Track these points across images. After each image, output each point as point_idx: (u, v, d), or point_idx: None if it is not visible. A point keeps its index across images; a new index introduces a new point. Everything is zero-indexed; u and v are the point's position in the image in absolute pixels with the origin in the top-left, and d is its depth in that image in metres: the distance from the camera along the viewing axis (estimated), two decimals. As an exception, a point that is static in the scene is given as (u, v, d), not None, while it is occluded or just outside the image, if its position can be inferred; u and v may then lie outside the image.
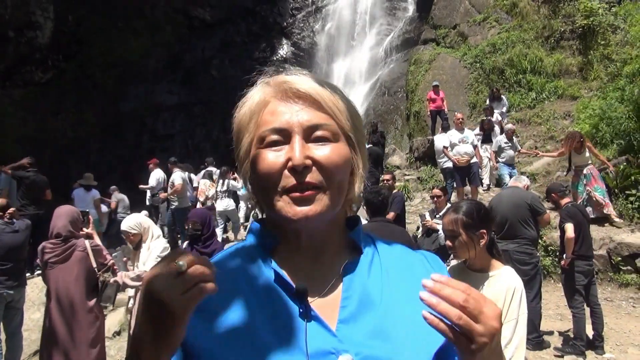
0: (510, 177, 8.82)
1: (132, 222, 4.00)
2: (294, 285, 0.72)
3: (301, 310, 0.71)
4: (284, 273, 0.74)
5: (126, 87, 18.67)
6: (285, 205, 0.71)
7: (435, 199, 6.51)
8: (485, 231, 2.14)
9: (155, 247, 3.92)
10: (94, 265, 3.89)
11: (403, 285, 0.78)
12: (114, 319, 6.07)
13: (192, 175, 10.99)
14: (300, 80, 0.77)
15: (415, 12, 20.28)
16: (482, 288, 2.05)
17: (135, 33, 18.88)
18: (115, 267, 4.10)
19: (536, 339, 5.09)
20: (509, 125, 10.12)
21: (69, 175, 11.10)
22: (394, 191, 7.16)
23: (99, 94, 17.58)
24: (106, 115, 17.84)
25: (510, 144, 9.45)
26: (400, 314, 0.74)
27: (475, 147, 8.85)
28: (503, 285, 2.05)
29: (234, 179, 11.30)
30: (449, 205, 6.64)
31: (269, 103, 0.77)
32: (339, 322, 0.72)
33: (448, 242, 2.20)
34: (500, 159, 9.51)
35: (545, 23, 14.10)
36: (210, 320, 0.70)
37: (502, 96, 12.30)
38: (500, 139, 9.54)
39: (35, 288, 6.10)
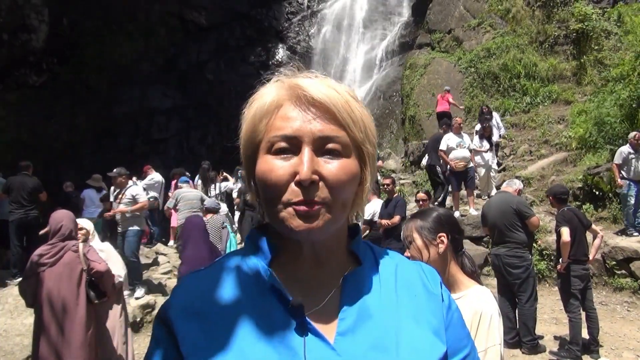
0: (637, 199, 7.47)
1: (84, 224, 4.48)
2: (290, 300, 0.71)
3: (298, 324, 0.70)
4: (281, 286, 0.72)
5: (120, 91, 18.55)
6: (288, 217, 0.69)
7: (420, 202, 6.53)
8: (444, 235, 1.83)
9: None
10: (84, 266, 3.89)
11: (401, 298, 0.78)
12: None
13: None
14: (315, 86, 0.73)
15: (410, 17, 20.37)
16: None
17: (129, 37, 18.79)
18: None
19: (531, 343, 5.10)
20: (634, 133, 7.73)
21: (62, 179, 10.99)
22: (395, 195, 7.19)
23: (92, 97, 17.46)
24: (100, 118, 17.72)
25: (636, 155, 7.52)
26: (398, 327, 0.74)
27: (471, 151, 8.85)
28: (469, 309, 1.68)
29: (224, 179, 11.18)
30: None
31: (282, 106, 0.73)
32: (337, 335, 0.71)
33: (406, 253, 1.88)
34: (624, 174, 7.57)
35: (540, 28, 14.21)
36: (207, 331, 0.69)
37: (494, 113, 11.42)
38: (623, 150, 7.61)
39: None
